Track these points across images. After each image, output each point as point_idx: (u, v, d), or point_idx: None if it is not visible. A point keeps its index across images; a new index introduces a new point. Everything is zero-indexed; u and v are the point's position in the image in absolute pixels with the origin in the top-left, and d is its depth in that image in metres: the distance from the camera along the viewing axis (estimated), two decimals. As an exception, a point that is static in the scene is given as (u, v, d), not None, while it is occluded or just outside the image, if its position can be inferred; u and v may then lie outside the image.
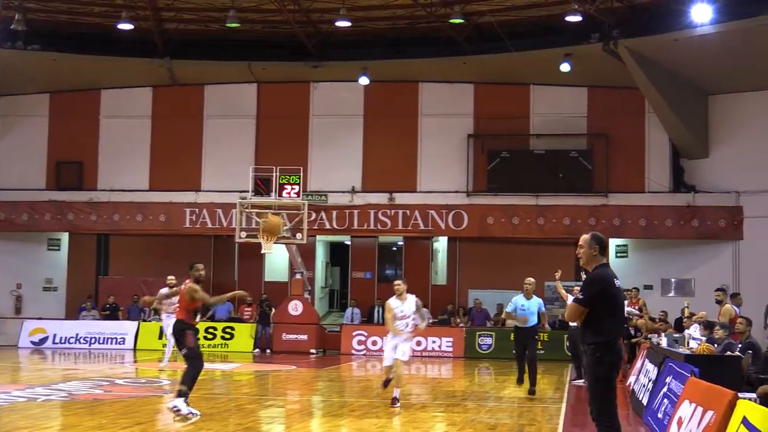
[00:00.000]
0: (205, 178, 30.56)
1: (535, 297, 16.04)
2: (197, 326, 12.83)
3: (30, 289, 30.40)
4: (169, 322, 18.31)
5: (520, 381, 16.25)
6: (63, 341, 27.85)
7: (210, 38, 29.74)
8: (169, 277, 20.29)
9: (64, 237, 31.14)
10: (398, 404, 13.78)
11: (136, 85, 30.87)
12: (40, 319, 28.93)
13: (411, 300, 14.26)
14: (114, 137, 30.88)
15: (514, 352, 16.67)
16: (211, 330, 27.89)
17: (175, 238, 29.80)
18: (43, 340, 27.95)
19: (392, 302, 14.22)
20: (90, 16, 28.65)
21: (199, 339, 12.59)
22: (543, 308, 16.09)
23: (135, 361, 23.66)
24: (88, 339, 27.71)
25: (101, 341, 27.57)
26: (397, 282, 14.42)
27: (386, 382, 14.27)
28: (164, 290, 18.80)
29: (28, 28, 27.56)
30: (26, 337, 28.12)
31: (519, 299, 15.96)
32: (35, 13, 28.09)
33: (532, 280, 16.16)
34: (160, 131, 30.92)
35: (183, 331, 12.38)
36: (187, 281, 12.56)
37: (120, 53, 29.19)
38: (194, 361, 12.35)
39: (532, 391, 15.62)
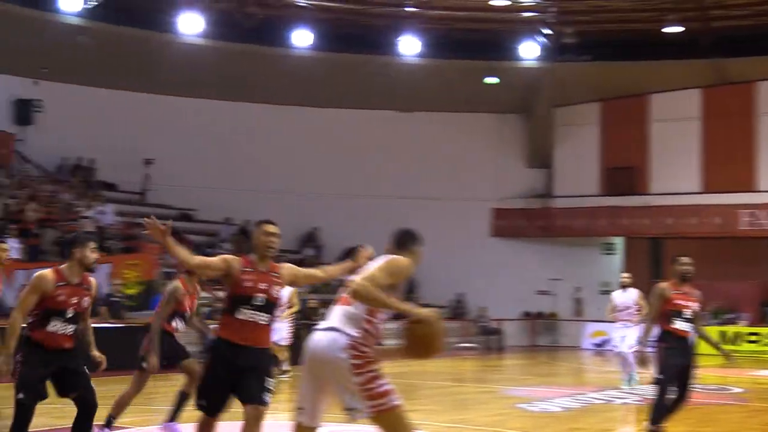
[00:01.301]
0: (760, 178, 29.33)
1: None
2: None
3: (588, 293, 31.37)
4: (625, 332, 16.06)
5: None
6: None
7: (761, 33, 28.46)
8: (624, 275, 17.08)
9: (619, 242, 31.77)
10: None
11: (684, 87, 30.55)
12: (601, 321, 29.78)
13: None
14: (664, 141, 30.82)
15: None
16: None
17: (730, 240, 29.00)
18: (605, 342, 28.71)
19: None
20: (638, 22, 28.98)
21: None
22: None
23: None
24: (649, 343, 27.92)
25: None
26: None
27: None
28: (622, 294, 16.30)
29: (579, 40, 28.67)
30: (587, 338, 29.17)
31: None
32: (585, 25, 29.10)
33: None
34: (711, 132, 30.25)
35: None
36: None
37: (668, 56, 29.16)
38: None
39: None
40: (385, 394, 5.69)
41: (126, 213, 26.24)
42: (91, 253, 7.50)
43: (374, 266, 5.94)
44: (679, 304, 9.66)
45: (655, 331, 9.79)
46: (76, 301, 7.42)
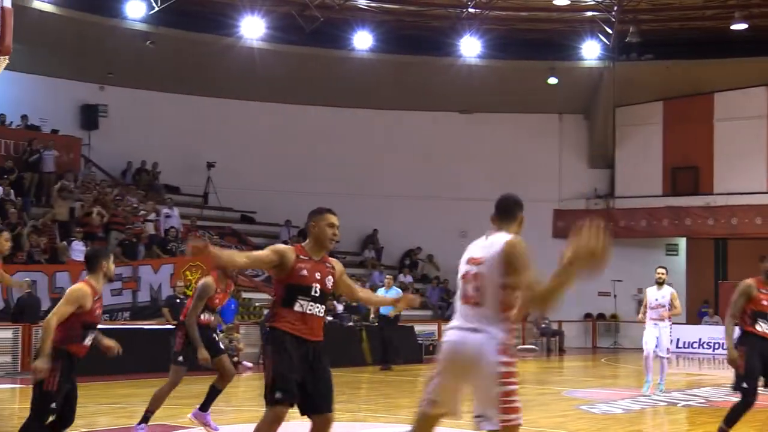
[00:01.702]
0: (827, 178, 28.84)
1: None
2: None
3: (651, 294, 31.04)
4: (657, 332, 15.15)
5: None
6: (686, 346, 28.06)
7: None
8: (659, 270, 15.50)
9: (682, 242, 31.37)
10: None
11: (750, 85, 30.07)
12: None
13: None
14: (729, 140, 30.39)
15: None
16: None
17: (797, 241, 28.47)
18: (667, 344, 28.41)
19: None
20: (702, 20, 28.61)
21: None
22: None
23: None
24: (712, 344, 27.57)
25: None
26: None
27: None
28: (656, 291, 15.23)
29: (641, 39, 28.39)
30: (650, 340, 28.88)
31: None
32: (648, 24, 28.81)
33: None
34: (777, 131, 29.82)
35: None
36: None
37: (733, 54, 28.76)
38: None
39: None
40: (517, 410, 5.44)
41: (188, 216, 26.60)
42: (113, 265, 7.75)
43: (517, 266, 5.54)
44: (765, 305, 9.04)
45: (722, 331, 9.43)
46: (101, 313, 7.71)
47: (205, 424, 10.05)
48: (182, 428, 10.44)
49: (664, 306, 14.95)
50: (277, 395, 6.43)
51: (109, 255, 7.82)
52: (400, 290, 20.65)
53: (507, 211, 5.79)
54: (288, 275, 6.58)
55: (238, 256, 6.74)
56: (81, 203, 24.04)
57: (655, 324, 15.01)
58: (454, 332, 5.58)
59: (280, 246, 6.77)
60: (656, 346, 15.10)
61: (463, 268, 5.69)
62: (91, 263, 7.63)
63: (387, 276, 23.50)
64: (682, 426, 12.59)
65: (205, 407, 10.07)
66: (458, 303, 5.69)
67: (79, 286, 7.51)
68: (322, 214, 6.75)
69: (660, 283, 15.03)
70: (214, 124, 29.55)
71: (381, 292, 20.54)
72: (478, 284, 5.55)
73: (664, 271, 15.29)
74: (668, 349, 15.19)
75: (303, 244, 6.81)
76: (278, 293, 6.70)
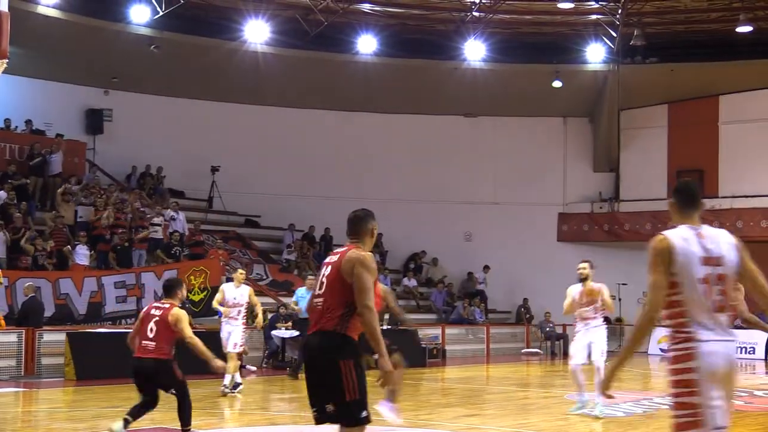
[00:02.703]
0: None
1: None
2: None
3: (656, 297, 30.94)
4: (590, 337, 12.78)
5: None
6: (691, 349, 27.98)
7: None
8: (581, 265, 13.07)
9: (687, 245, 31.31)
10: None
11: (755, 88, 30.02)
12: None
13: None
14: (734, 143, 30.34)
15: None
16: None
17: (803, 244, 28.41)
18: (672, 347, 28.37)
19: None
20: (707, 22, 28.60)
21: None
22: None
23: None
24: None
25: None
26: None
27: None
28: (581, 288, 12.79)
29: (646, 42, 28.36)
30: (655, 344, 28.85)
31: None
32: (653, 27, 28.80)
33: None
34: (783, 133, 29.76)
35: None
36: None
37: (738, 57, 28.74)
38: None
39: None
40: None
41: (192, 220, 26.62)
42: (185, 291, 10.06)
43: (752, 267, 5.14)
44: None
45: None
46: None
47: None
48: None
49: (594, 301, 12.55)
50: (364, 414, 6.17)
51: (183, 284, 10.02)
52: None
53: (694, 200, 5.23)
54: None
55: (376, 321, 6.20)
56: (95, 207, 24.00)
57: (587, 326, 12.73)
58: (718, 345, 4.97)
59: (374, 265, 6.18)
60: (588, 355, 12.72)
61: (700, 270, 5.05)
62: (170, 291, 9.60)
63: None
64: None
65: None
66: (704, 311, 5.03)
67: (182, 311, 9.45)
68: (374, 219, 6.38)
69: (582, 280, 12.57)
70: (218, 129, 29.58)
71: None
72: (723, 287, 5.07)
73: (585, 265, 12.73)
74: (603, 351, 12.59)
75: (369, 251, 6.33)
76: (348, 299, 6.12)
